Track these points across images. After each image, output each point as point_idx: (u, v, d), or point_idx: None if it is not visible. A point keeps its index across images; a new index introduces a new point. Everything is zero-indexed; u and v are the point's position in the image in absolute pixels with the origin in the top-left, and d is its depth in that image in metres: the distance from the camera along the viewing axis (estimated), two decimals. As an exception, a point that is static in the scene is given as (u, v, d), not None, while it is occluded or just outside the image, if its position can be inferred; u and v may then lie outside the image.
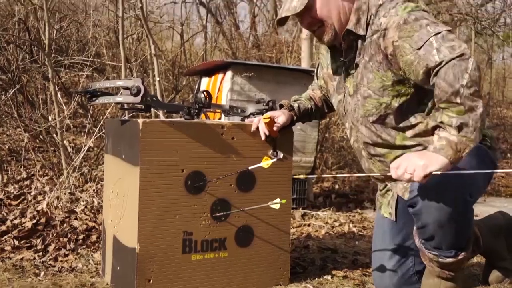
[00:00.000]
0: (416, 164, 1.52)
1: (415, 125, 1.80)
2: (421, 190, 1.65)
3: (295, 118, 2.08)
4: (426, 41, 1.61)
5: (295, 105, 2.11)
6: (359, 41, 1.84)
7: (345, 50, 1.89)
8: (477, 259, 2.40)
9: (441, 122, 1.58)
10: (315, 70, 2.24)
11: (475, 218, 1.92)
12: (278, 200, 1.86)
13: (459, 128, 1.54)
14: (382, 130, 1.84)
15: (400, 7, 1.71)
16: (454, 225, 1.65)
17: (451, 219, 1.63)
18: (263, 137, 1.97)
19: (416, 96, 1.78)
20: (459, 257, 1.73)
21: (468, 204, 1.67)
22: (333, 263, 2.42)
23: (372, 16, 1.79)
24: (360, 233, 3.13)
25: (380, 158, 1.92)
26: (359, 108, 1.89)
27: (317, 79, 2.20)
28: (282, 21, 1.89)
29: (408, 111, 1.80)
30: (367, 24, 1.80)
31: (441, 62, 1.57)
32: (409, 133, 1.82)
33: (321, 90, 2.20)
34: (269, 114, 1.97)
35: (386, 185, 2.06)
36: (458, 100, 1.54)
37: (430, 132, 1.78)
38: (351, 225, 3.29)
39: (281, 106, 2.09)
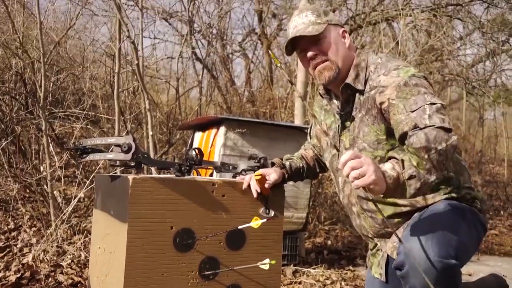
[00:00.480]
0: (371, 176, 1.46)
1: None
2: (407, 252, 1.63)
3: (286, 176, 2.09)
4: (421, 107, 1.65)
5: (287, 163, 2.12)
6: (356, 95, 1.88)
7: (342, 103, 1.93)
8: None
9: (402, 160, 1.57)
10: (309, 129, 2.26)
11: (469, 277, 1.90)
12: (267, 260, 1.83)
13: (410, 177, 1.54)
14: None
15: (403, 70, 1.76)
16: None
17: (438, 282, 1.60)
18: (254, 195, 1.96)
19: None
20: None
21: (455, 268, 1.63)
22: (323, 324, 2.36)
23: (370, 73, 1.84)
24: (352, 292, 3.08)
25: (372, 214, 1.92)
26: None
27: (310, 138, 2.23)
28: (290, 47, 1.92)
29: None
30: (365, 80, 1.85)
31: (429, 126, 1.60)
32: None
33: (313, 150, 2.22)
34: (261, 171, 1.97)
35: (376, 245, 2.04)
36: (426, 156, 1.56)
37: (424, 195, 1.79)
38: (343, 283, 3.23)
39: (272, 164, 2.10)
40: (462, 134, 9.77)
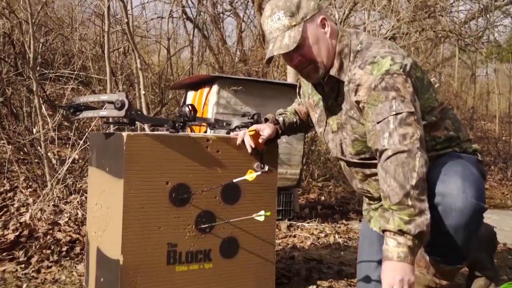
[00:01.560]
0: (394, 281, 1.54)
1: None
2: (444, 193, 1.65)
3: (280, 131, 2.10)
4: (385, 119, 1.63)
5: (280, 118, 2.13)
6: (340, 84, 1.85)
7: (327, 92, 1.91)
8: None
9: (400, 230, 1.57)
10: (297, 89, 2.24)
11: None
12: (262, 212, 1.86)
13: (417, 236, 1.56)
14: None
15: (378, 64, 1.69)
16: (469, 230, 1.66)
17: (468, 224, 1.64)
18: (249, 150, 1.98)
19: None
20: (458, 266, 1.75)
21: (483, 212, 1.67)
22: (318, 273, 2.43)
23: (350, 63, 1.80)
24: (346, 244, 3.15)
25: (376, 177, 1.93)
26: (347, 146, 1.90)
27: (299, 97, 2.21)
28: (271, 60, 1.87)
29: None
30: (349, 69, 1.81)
31: (387, 150, 1.61)
32: None
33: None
34: (254, 127, 1.98)
35: (381, 204, 2.07)
36: (410, 203, 1.56)
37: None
38: (336, 236, 3.30)
39: (266, 120, 2.11)
40: (454, 91, 9.78)
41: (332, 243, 3.15)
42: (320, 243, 3.16)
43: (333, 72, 1.82)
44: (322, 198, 4.61)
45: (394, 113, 1.62)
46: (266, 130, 2.00)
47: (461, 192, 1.62)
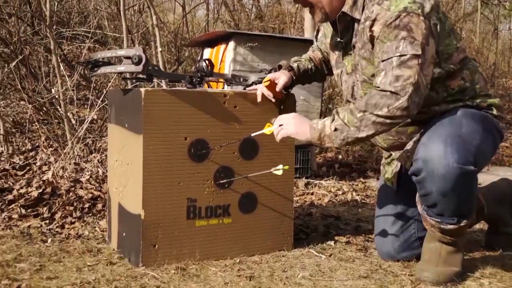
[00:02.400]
0: (290, 129, 1.77)
1: None
2: (426, 159, 1.65)
3: (294, 78, 2.07)
4: (389, 58, 1.64)
5: (295, 65, 2.10)
6: (355, 24, 1.83)
7: (341, 31, 1.89)
8: (480, 225, 2.42)
9: (336, 113, 1.71)
10: (315, 33, 2.22)
11: (478, 186, 1.93)
12: (281, 166, 1.86)
13: (335, 129, 1.68)
14: None
15: (395, 2, 1.67)
16: (458, 194, 1.66)
17: (455, 188, 1.63)
18: (272, 100, 1.98)
19: None
20: (461, 224, 1.74)
21: (473, 174, 1.67)
22: (336, 229, 2.45)
23: (367, 0, 1.77)
24: (363, 201, 3.16)
25: None
26: (358, 88, 1.90)
27: (317, 41, 2.19)
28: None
29: None
30: (363, 7, 1.78)
31: (377, 88, 1.65)
32: None
33: (321, 52, 2.19)
34: (269, 76, 1.96)
35: (391, 154, 2.07)
36: (357, 115, 1.65)
37: (435, 103, 1.79)
38: (354, 193, 3.31)
39: (280, 67, 2.08)
40: (475, 47, 9.54)
41: (350, 200, 3.16)
42: (338, 200, 3.17)
43: (345, 8, 1.81)
44: (340, 156, 4.60)
45: (399, 54, 1.63)
46: (281, 78, 1.99)
47: (442, 158, 1.61)
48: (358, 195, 3.30)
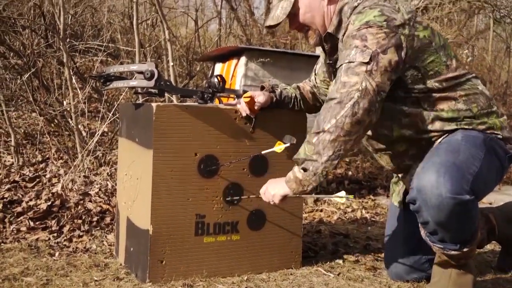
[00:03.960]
0: (270, 194, 1.78)
1: (410, 114, 1.77)
2: (420, 188, 1.62)
3: (274, 100, 2.05)
4: (340, 65, 1.68)
5: (278, 90, 2.08)
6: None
7: (328, 52, 1.91)
8: (491, 246, 2.39)
9: (297, 159, 1.72)
10: (315, 66, 2.20)
11: (489, 205, 1.90)
12: (343, 193, 1.72)
13: (304, 169, 1.68)
14: (378, 124, 1.79)
15: (362, 14, 1.70)
16: (455, 223, 1.62)
17: (451, 218, 1.59)
18: (243, 114, 1.96)
19: (400, 85, 1.74)
20: (464, 250, 1.70)
21: (469, 203, 1.60)
22: (345, 248, 2.43)
23: (346, 19, 1.79)
24: (373, 219, 3.13)
25: (386, 151, 1.91)
26: None
27: (315, 75, 2.17)
28: (271, 27, 1.93)
29: (400, 101, 1.77)
30: (346, 28, 1.78)
31: (327, 95, 1.71)
32: (404, 120, 1.79)
33: (311, 86, 2.18)
34: (250, 93, 1.95)
35: (398, 176, 2.06)
36: (314, 140, 1.65)
37: (427, 121, 1.77)
38: (363, 211, 3.28)
39: (262, 88, 2.07)
40: (487, 65, 9.50)
41: (359, 218, 3.13)
42: (347, 218, 3.14)
43: (330, 29, 1.83)
44: (350, 173, 4.57)
45: (347, 61, 1.66)
46: (260, 97, 1.97)
47: (434, 188, 1.57)
48: (367, 212, 3.27)
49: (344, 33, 1.75)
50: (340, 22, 1.81)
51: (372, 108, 1.63)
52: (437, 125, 1.77)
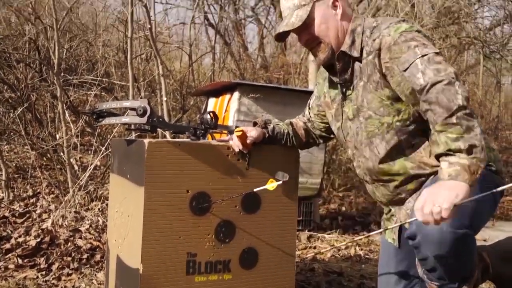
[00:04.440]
0: (444, 196, 1.41)
1: (415, 145, 1.78)
2: (419, 223, 1.60)
3: (267, 135, 2.03)
4: (412, 63, 1.62)
5: (270, 126, 2.06)
6: (356, 63, 1.83)
7: (339, 71, 1.88)
8: (486, 284, 2.36)
9: (449, 150, 1.50)
10: (309, 101, 2.20)
11: (484, 243, 1.89)
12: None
13: (468, 150, 1.47)
14: (384, 152, 1.81)
15: (393, 27, 1.72)
16: (455, 258, 1.60)
17: (451, 253, 1.57)
18: (236, 150, 1.93)
19: (418, 115, 1.76)
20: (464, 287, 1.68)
21: (469, 237, 1.60)
22: (338, 286, 2.39)
23: (366, 38, 1.79)
24: (367, 256, 3.10)
25: (384, 183, 1.90)
26: (362, 130, 1.87)
27: (309, 109, 2.17)
28: (280, 37, 1.91)
29: (409, 131, 1.78)
30: (362, 46, 1.80)
31: (426, 85, 1.57)
32: (408, 152, 1.79)
33: (305, 122, 2.17)
34: (241, 128, 1.93)
35: (390, 209, 2.03)
36: (455, 121, 1.50)
37: (429, 152, 1.76)
38: (357, 248, 3.25)
39: (255, 124, 2.07)
40: (478, 99, 9.62)
41: (353, 256, 3.10)
42: (341, 255, 3.11)
43: (344, 48, 1.82)
44: (343, 208, 4.56)
45: (420, 55, 1.62)
46: (252, 132, 1.95)
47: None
48: (361, 249, 3.24)
49: (378, 51, 1.73)
50: (353, 42, 1.81)
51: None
52: (429, 170, 1.77)
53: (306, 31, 1.84)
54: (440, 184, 1.47)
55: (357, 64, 1.83)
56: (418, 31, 1.71)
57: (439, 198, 1.41)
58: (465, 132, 1.49)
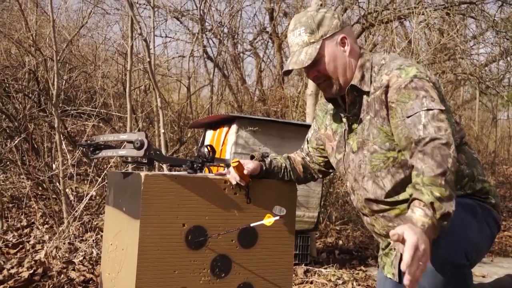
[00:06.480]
0: (424, 252, 1.41)
1: None
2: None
3: (264, 168, 2.02)
4: (416, 113, 1.65)
5: (268, 159, 2.06)
6: (363, 97, 1.85)
7: (348, 105, 1.90)
8: (485, 323, 2.32)
9: (431, 203, 1.50)
10: (307, 134, 2.20)
11: (483, 279, 1.87)
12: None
13: (443, 216, 1.49)
14: (390, 186, 1.80)
15: (405, 70, 1.73)
16: None
17: (447, 284, 1.56)
18: (233, 182, 1.92)
19: None
20: None
21: (464, 268, 1.59)
22: (335, 324, 2.35)
23: (374, 74, 1.82)
24: (364, 292, 3.05)
25: (383, 213, 1.89)
26: (366, 164, 1.87)
27: (308, 143, 2.17)
28: (288, 72, 1.94)
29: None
30: (370, 81, 1.83)
31: (425, 138, 1.59)
32: None
33: (303, 158, 2.17)
34: (237, 159, 1.91)
35: (389, 244, 2.01)
36: (443, 182, 1.53)
37: None
38: (355, 283, 3.21)
39: (252, 157, 2.07)
40: (475, 134, 9.68)
41: (350, 290, 3.06)
42: (338, 290, 3.07)
43: (354, 81, 1.84)
44: (340, 242, 4.52)
45: (426, 108, 1.64)
46: (250, 164, 1.95)
47: (431, 253, 1.51)
48: (358, 285, 3.19)
49: (386, 87, 1.75)
50: (362, 77, 1.83)
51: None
52: None
53: (314, 68, 1.86)
54: (417, 232, 1.42)
55: (365, 98, 1.85)
56: (428, 79, 1.72)
57: (424, 249, 1.40)
58: (447, 197, 1.52)
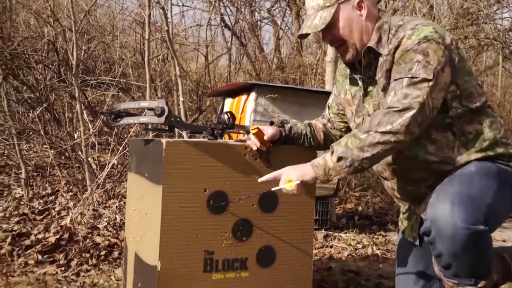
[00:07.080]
0: (291, 174, 1.73)
1: (437, 140, 1.77)
2: (433, 218, 1.60)
3: (284, 134, 2.03)
4: (400, 78, 1.68)
5: (287, 125, 2.06)
6: (379, 59, 1.83)
7: (364, 67, 1.88)
8: (506, 286, 2.33)
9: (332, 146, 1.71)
10: (328, 100, 2.20)
11: (504, 243, 1.87)
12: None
13: (338, 159, 1.67)
14: (404, 148, 1.80)
15: (417, 30, 1.71)
16: (470, 254, 1.58)
17: (466, 249, 1.56)
18: (254, 148, 1.92)
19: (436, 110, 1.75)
20: (479, 285, 1.66)
21: (484, 233, 1.58)
22: (356, 285, 2.39)
23: (391, 36, 1.80)
24: (384, 256, 3.08)
25: (404, 178, 1.89)
26: None
27: (329, 108, 2.17)
28: (303, 36, 1.93)
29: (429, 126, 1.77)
30: (388, 43, 1.80)
31: (388, 105, 1.67)
32: (431, 148, 1.78)
33: (325, 124, 2.17)
34: (256, 126, 1.90)
35: (409, 207, 2.02)
36: (361, 136, 1.66)
37: (453, 147, 1.76)
38: (374, 247, 3.24)
39: (271, 123, 2.07)
40: (497, 100, 9.50)
41: (370, 255, 3.09)
42: (358, 254, 3.10)
43: (371, 43, 1.82)
44: (360, 208, 4.54)
45: (410, 75, 1.66)
46: (269, 129, 1.96)
47: (449, 217, 1.55)
48: (378, 249, 3.22)
49: (395, 49, 1.75)
50: (380, 39, 1.82)
51: (424, 123, 1.66)
52: (463, 155, 1.76)
53: (329, 32, 1.85)
54: (298, 166, 1.77)
55: (380, 60, 1.83)
56: (440, 40, 1.69)
57: (288, 175, 1.75)
58: (356, 148, 1.67)
